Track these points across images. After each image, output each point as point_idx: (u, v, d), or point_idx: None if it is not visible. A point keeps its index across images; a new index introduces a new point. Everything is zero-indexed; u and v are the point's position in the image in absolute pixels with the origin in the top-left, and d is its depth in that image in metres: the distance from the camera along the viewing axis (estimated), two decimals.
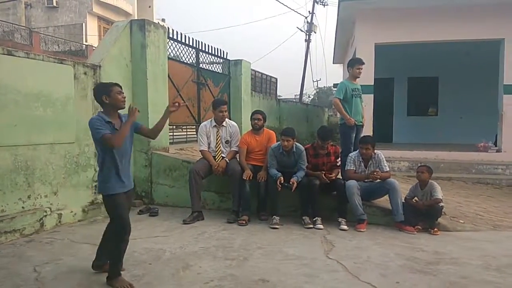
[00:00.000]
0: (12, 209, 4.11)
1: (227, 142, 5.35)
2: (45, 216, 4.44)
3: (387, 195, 4.77)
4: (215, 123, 5.36)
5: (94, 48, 16.70)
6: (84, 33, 24.48)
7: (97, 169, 5.06)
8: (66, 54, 19.38)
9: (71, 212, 4.80)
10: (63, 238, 4.19)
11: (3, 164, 4.02)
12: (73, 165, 4.82)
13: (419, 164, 5.47)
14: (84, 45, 22.85)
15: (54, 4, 24.92)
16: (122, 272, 3.04)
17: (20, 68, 4.18)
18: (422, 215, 4.68)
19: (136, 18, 21.89)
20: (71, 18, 25.08)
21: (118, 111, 3.04)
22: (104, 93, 2.96)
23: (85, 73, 4.98)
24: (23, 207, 4.23)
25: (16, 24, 21.86)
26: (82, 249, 3.85)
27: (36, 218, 4.33)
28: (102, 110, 3.03)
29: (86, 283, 3.03)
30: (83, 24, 24.69)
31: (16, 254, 3.67)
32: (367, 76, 7.48)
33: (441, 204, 4.67)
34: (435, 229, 4.54)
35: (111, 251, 3.02)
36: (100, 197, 5.17)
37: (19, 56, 4.19)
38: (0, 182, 3.99)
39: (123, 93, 3.05)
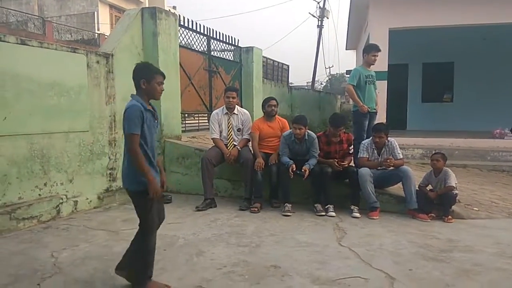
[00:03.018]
0: (29, 196, 4.20)
1: (238, 130, 5.35)
2: (61, 203, 4.54)
3: (401, 182, 4.74)
4: (226, 111, 5.36)
5: (106, 36, 16.79)
6: (96, 22, 24.55)
7: (112, 157, 5.21)
8: (78, 43, 19.52)
9: (87, 199, 4.88)
10: (79, 224, 4.28)
11: (20, 152, 4.10)
12: (87, 153, 4.89)
13: (433, 152, 5.40)
14: (96, 34, 22.96)
15: None
16: None
17: (34, 58, 4.23)
18: (436, 203, 4.64)
19: (147, 6, 21.84)
20: (83, 7, 25.14)
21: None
22: (145, 77, 2.65)
23: (97, 62, 5.01)
24: (39, 195, 4.32)
25: (30, 14, 22.04)
26: (98, 235, 3.93)
27: (53, 205, 4.43)
28: (135, 93, 2.70)
29: (102, 268, 3.10)
30: (95, 13, 24.74)
31: (34, 240, 3.77)
32: (381, 62, 7.35)
33: (455, 191, 4.62)
34: (449, 217, 4.50)
35: (139, 254, 2.70)
36: (114, 184, 5.26)
37: (33, 46, 4.23)
38: (17, 170, 4.08)
39: (163, 84, 2.76)
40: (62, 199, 4.55)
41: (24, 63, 4.11)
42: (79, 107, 4.74)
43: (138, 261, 2.70)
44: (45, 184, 4.38)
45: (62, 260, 3.26)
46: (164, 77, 2.77)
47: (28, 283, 2.84)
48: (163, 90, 2.77)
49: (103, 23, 24.75)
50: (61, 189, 4.56)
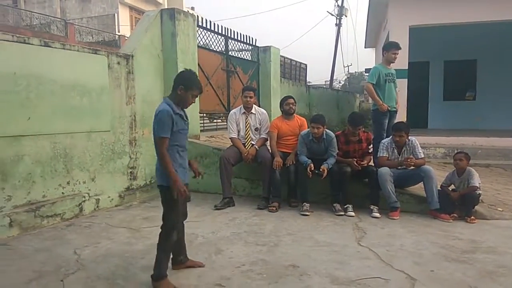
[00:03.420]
0: (52, 194, 4.31)
1: (256, 129, 5.36)
2: (84, 201, 4.64)
3: (422, 182, 4.66)
4: (244, 110, 5.38)
5: (126, 38, 17.05)
6: (116, 24, 24.95)
7: (132, 156, 5.30)
8: (99, 44, 19.88)
9: (108, 197, 4.98)
10: (101, 222, 4.36)
11: (43, 151, 4.21)
12: (109, 152, 4.98)
13: (455, 151, 5.29)
14: (116, 35, 23.33)
15: None
16: None
17: (57, 59, 4.33)
18: (458, 203, 4.54)
19: (166, 7, 22.09)
20: (104, 9, 25.59)
21: None
22: (183, 85, 2.81)
23: (118, 63, 5.10)
24: (63, 193, 4.42)
25: (52, 16, 22.56)
26: (119, 233, 4.00)
27: (75, 203, 4.53)
28: (169, 95, 2.88)
29: (123, 265, 3.15)
30: (115, 15, 25.14)
31: (57, 237, 3.87)
32: (401, 60, 7.24)
33: (479, 191, 4.51)
34: (472, 217, 4.40)
35: (159, 250, 2.81)
36: (135, 182, 5.35)
37: (55, 48, 4.34)
38: (41, 169, 4.19)
39: (197, 97, 2.94)
40: (84, 197, 4.65)
41: (47, 65, 4.22)
42: (100, 108, 4.83)
43: (157, 256, 2.80)
44: (68, 183, 4.48)
45: (84, 257, 3.33)
46: (201, 92, 2.93)
47: (52, 279, 2.92)
48: (193, 103, 2.93)
49: (123, 25, 25.13)
50: (83, 188, 4.66)
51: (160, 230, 2.86)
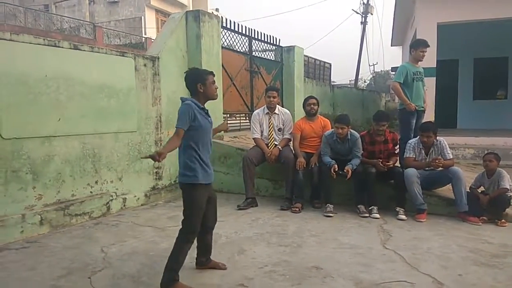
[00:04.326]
0: (81, 193, 4.44)
1: (279, 129, 5.35)
2: (111, 200, 4.75)
3: (450, 184, 4.53)
4: (267, 111, 5.38)
5: (152, 40, 17.38)
6: (143, 26, 25.48)
7: None
8: (127, 47, 20.32)
9: (135, 196, 5.08)
10: (128, 221, 4.46)
11: (73, 152, 4.34)
12: (135, 152, 5.08)
13: (485, 151, 5.11)
14: (143, 38, 23.81)
15: None
16: None
17: (86, 62, 4.46)
18: (488, 206, 4.39)
19: (191, 9, 22.37)
20: (131, 12, 26.18)
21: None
22: (200, 81, 2.79)
23: (144, 65, 5.20)
24: (91, 192, 4.55)
25: (81, 20, 23.26)
26: (145, 231, 4.08)
27: (103, 202, 4.65)
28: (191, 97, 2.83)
29: (148, 263, 3.22)
30: (142, 18, 25.68)
31: (85, 235, 3.98)
32: (429, 58, 7.06)
33: (510, 193, 4.35)
34: (502, 220, 4.25)
35: (172, 251, 2.74)
36: (160, 182, 5.44)
37: (84, 50, 4.47)
38: (71, 169, 4.32)
39: (215, 82, 2.90)
40: (112, 196, 4.77)
41: (77, 67, 4.35)
42: (127, 109, 4.94)
43: (170, 259, 2.73)
44: (96, 182, 4.61)
45: (111, 255, 3.41)
46: (214, 75, 2.91)
47: (80, 276, 3.00)
48: (217, 88, 2.92)
49: (150, 27, 25.63)
50: (111, 187, 4.78)
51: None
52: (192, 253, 2.94)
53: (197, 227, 2.78)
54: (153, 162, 5.28)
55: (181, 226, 2.78)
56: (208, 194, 2.87)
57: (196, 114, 2.72)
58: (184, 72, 2.92)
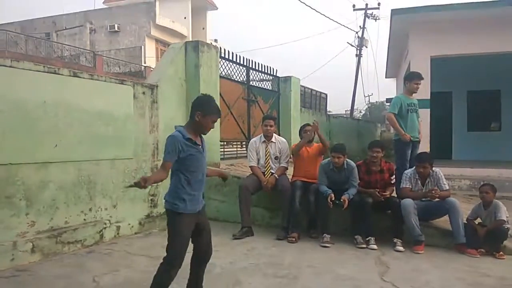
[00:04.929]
0: (74, 221, 4.37)
1: (276, 158, 5.36)
2: (105, 228, 4.68)
3: (447, 215, 4.51)
4: (264, 139, 5.40)
5: (151, 69, 17.62)
6: (143, 55, 25.88)
7: (153, 184, 5.33)
8: (126, 75, 20.57)
9: (129, 224, 5.01)
10: (121, 249, 4.38)
11: (68, 178, 4.31)
12: (131, 179, 5.03)
13: (481, 183, 5.12)
14: (143, 67, 24.14)
15: (116, 28, 26.67)
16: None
17: (85, 89, 4.50)
18: (486, 238, 4.36)
19: (190, 39, 22.83)
20: (131, 41, 26.66)
21: None
22: (201, 111, 2.74)
23: (143, 93, 5.25)
24: (84, 219, 4.48)
25: (82, 48, 23.62)
26: (138, 260, 3.99)
27: (97, 230, 4.57)
28: (184, 124, 2.86)
29: None
30: (142, 47, 26.13)
31: (77, 264, 3.89)
32: (423, 90, 7.19)
33: (507, 225, 4.33)
34: (501, 253, 4.21)
35: (153, 283, 2.66)
36: (155, 210, 5.38)
37: (84, 78, 4.52)
38: (65, 196, 4.28)
39: (215, 122, 2.86)
40: (105, 224, 4.69)
41: (76, 94, 4.38)
42: (125, 136, 4.95)
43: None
44: (90, 209, 4.54)
45: (103, 285, 3.33)
46: (219, 117, 2.88)
47: None
48: (212, 128, 2.87)
49: (149, 56, 26.04)
50: (105, 214, 4.71)
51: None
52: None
53: (180, 256, 2.66)
54: (148, 189, 5.27)
55: (164, 257, 2.70)
56: (196, 221, 2.77)
57: (182, 146, 2.68)
58: (200, 95, 2.93)
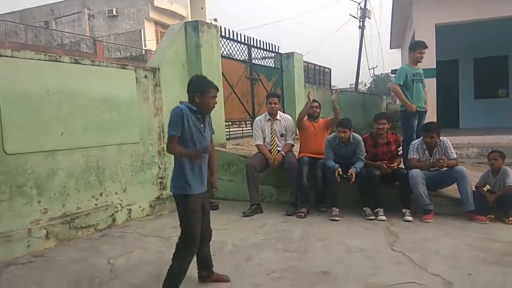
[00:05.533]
0: (86, 206, 4.44)
1: (282, 135, 5.35)
2: (116, 211, 4.75)
3: (455, 183, 4.51)
4: (269, 117, 5.39)
5: (152, 52, 17.49)
6: (142, 39, 25.65)
7: (161, 166, 5.40)
8: (127, 59, 20.45)
9: (140, 207, 5.08)
10: (133, 232, 4.45)
11: (77, 165, 4.35)
12: (139, 163, 5.09)
13: (490, 150, 5.09)
14: (143, 50, 23.96)
15: (114, 13, 26.40)
16: None
17: (87, 75, 4.48)
18: (495, 204, 4.36)
19: (190, 20, 22.53)
20: (130, 25, 26.39)
21: None
22: (199, 91, 2.68)
23: (145, 77, 5.23)
24: (96, 204, 4.55)
25: (82, 35, 23.45)
26: (151, 242, 4.07)
27: (108, 213, 4.65)
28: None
29: (156, 274, 3.19)
30: (142, 30, 25.87)
31: (91, 247, 3.97)
32: (428, 59, 7.07)
33: None
34: (510, 218, 4.21)
35: (172, 265, 2.68)
36: (165, 192, 5.44)
37: (85, 64, 4.50)
38: (75, 182, 4.33)
39: (216, 97, 2.78)
40: (117, 208, 4.76)
41: (78, 81, 4.37)
42: (130, 120, 4.96)
43: (169, 277, 2.67)
44: (100, 194, 4.61)
45: (118, 267, 3.40)
46: (217, 90, 2.79)
47: None
48: (216, 104, 2.79)
49: (149, 40, 25.80)
50: (115, 198, 4.78)
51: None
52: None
53: (198, 237, 2.69)
54: (156, 172, 5.32)
55: (179, 241, 2.70)
56: (202, 202, 2.78)
57: (188, 118, 2.65)
58: (190, 78, 2.86)
